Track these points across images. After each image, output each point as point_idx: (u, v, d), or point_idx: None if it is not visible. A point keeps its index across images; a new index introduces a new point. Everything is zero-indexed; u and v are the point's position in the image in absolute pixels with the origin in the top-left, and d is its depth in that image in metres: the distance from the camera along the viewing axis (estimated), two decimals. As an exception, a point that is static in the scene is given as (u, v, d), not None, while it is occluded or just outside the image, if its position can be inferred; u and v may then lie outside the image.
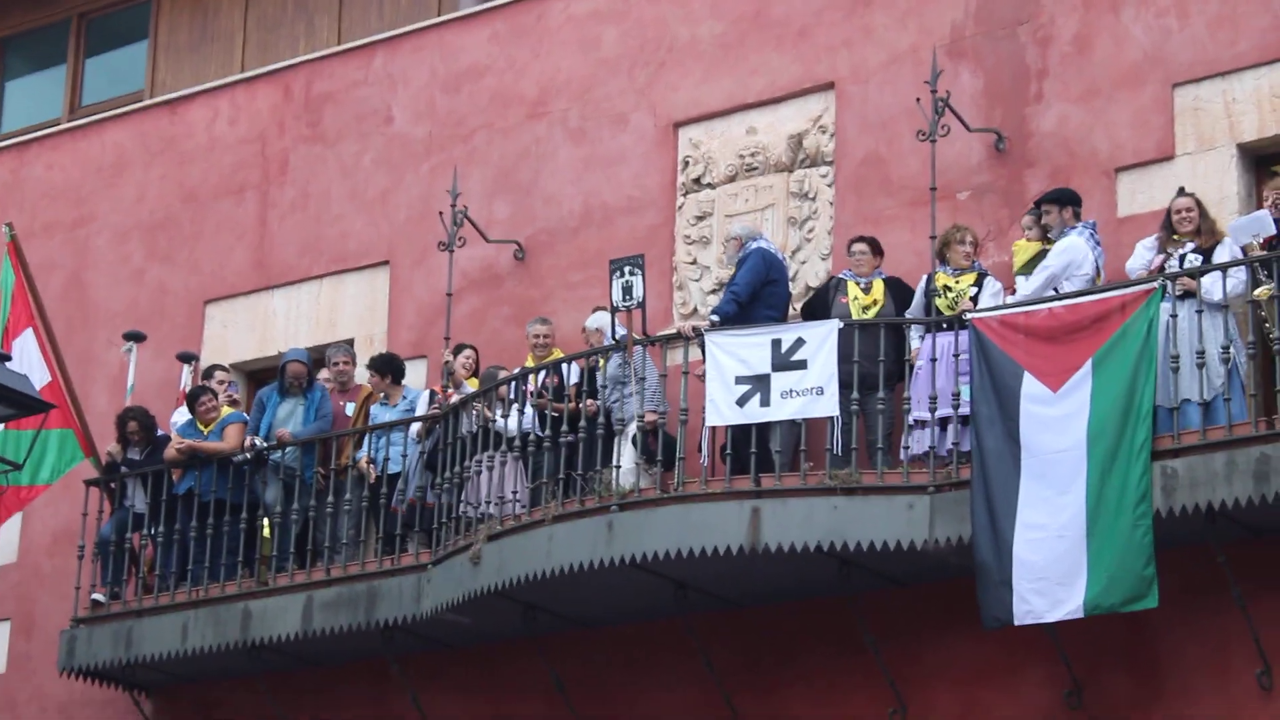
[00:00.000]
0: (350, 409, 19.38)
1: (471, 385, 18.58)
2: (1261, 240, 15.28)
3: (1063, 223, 16.26)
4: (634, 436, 16.86)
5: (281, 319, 20.61)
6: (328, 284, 20.64)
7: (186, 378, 20.51)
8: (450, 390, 18.45)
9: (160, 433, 19.90)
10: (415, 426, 18.84)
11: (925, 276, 16.88)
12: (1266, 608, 15.13)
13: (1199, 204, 15.80)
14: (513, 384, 17.93)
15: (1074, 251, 15.91)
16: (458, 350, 18.87)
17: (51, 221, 21.96)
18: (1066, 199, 16.38)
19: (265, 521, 19.43)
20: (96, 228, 22.09)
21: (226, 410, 19.56)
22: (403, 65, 20.93)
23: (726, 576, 16.46)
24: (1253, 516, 14.66)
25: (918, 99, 17.51)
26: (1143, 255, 15.81)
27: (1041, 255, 16.35)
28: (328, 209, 20.72)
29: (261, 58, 22.41)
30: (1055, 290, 15.72)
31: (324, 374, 19.82)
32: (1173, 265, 15.45)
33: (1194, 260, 15.42)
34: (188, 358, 20.51)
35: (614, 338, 17.52)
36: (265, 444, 19.28)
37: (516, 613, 17.31)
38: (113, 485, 19.58)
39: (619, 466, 16.67)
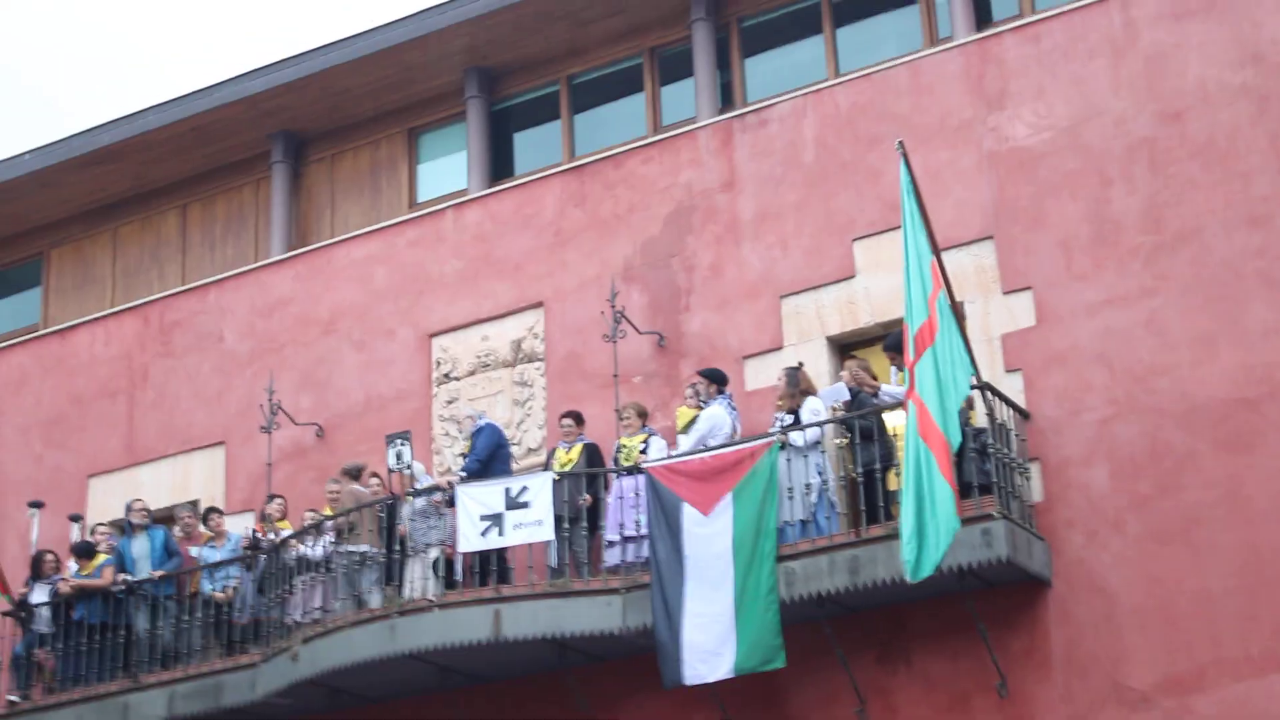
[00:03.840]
0: (194, 551, 19.07)
1: (284, 526, 18.41)
2: (840, 404, 15.91)
3: (709, 394, 16.61)
4: (434, 560, 16.95)
5: (146, 487, 20.22)
6: (180, 460, 20.41)
7: (75, 533, 20.08)
8: (264, 528, 18.51)
9: (56, 576, 19.45)
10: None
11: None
12: (860, 664, 15.45)
13: (791, 376, 16.25)
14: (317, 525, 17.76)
15: (716, 418, 16.36)
16: (270, 499, 18.77)
17: None
18: (715, 377, 16.79)
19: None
20: (5, 424, 21.66)
21: (102, 557, 19.15)
22: (230, 298, 20.71)
23: (478, 659, 16.51)
24: (847, 599, 15.13)
25: (602, 312, 17.83)
26: (785, 419, 16.07)
27: (694, 420, 16.63)
28: (178, 405, 20.49)
29: (127, 295, 22.15)
30: (705, 445, 16.02)
31: (175, 528, 19.47)
32: (778, 424, 15.95)
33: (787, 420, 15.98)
34: (76, 518, 20.18)
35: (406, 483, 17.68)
36: (132, 579, 18.85)
37: (325, 695, 17.26)
38: (22, 615, 19.22)
39: (425, 579, 16.88)
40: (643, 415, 17.18)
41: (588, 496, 16.64)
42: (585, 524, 16.69)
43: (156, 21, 68.36)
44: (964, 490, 13.96)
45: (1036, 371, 15.94)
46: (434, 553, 17.08)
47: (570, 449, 17.14)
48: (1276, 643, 14.26)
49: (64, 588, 19.07)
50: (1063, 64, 16.71)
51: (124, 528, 19.45)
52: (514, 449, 17.93)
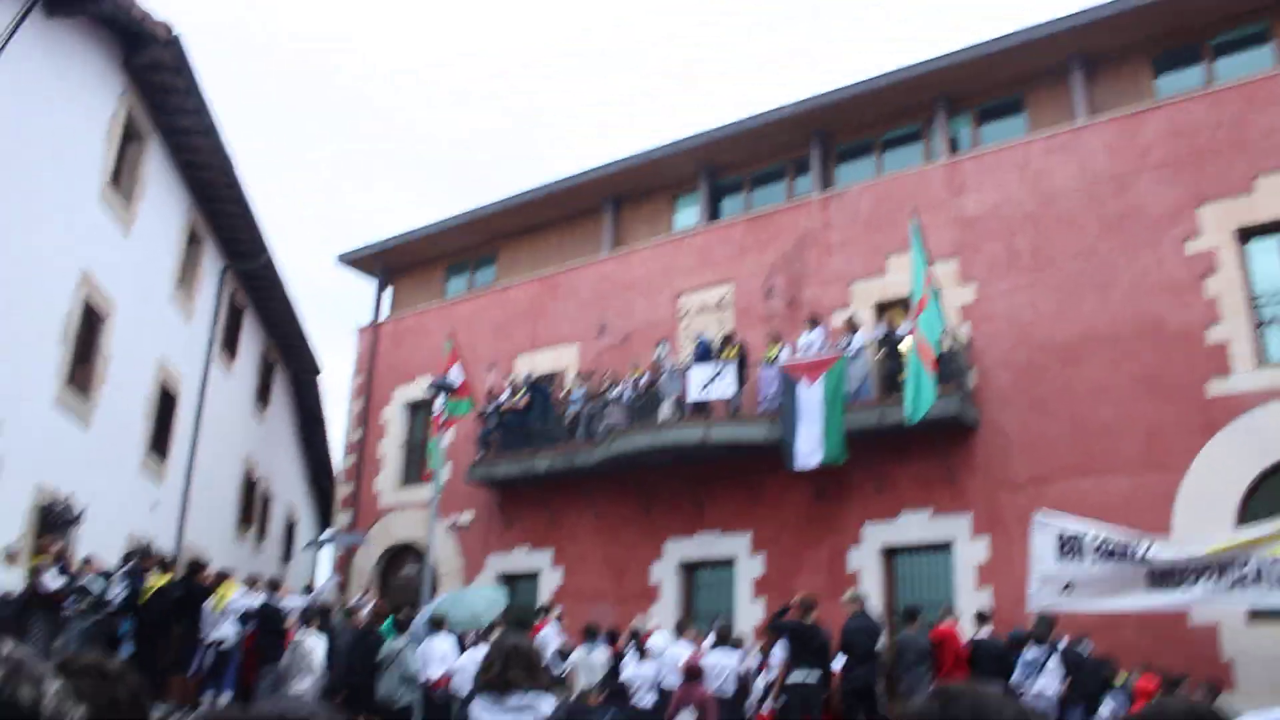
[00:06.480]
0: (562, 394, 19.06)
1: (605, 386, 18.92)
2: (882, 335, 16.02)
3: (810, 328, 16.65)
4: (673, 400, 16.99)
5: (539, 361, 20.61)
6: (555, 349, 20.48)
7: (491, 379, 20.38)
8: (600, 384, 18.67)
9: (497, 401, 19.50)
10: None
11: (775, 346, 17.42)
12: (879, 461, 15.59)
13: (849, 321, 16.29)
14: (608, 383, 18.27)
15: (812, 340, 16.29)
16: (602, 372, 19.46)
17: (465, 325, 21.13)
18: (813, 320, 16.65)
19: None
20: (477, 327, 21.66)
21: (520, 393, 18.92)
22: (583, 273, 20.57)
23: (695, 453, 16.56)
24: (875, 431, 15.28)
25: (764, 286, 18.12)
26: (849, 342, 16.21)
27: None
28: (557, 322, 20.67)
29: (530, 271, 22.49)
30: (810, 352, 16.04)
31: (553, 384, 20.09)
32: (845, 344, 15.97)
33: (853, 341, 16.01)
34: (512, 380, 20.69)
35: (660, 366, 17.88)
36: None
37: (623, 463, 17.33)
38: (483, 416, 19.25)
39: (670, 411, 16.88)
40: (777, 339, 16.84)
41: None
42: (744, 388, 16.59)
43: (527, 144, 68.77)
44: (938, 380, 13.99)
45: (976, 322, 15.92)
46: (673, 398, 17.04)
47: (731, 349, 16.66)
48: (1087, 460, 14.42)
49: (508, 405, 19.09)
50: (992, 174, 16.52)
51: (528, 380, 19.38)
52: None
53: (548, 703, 4.64)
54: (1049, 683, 10.99)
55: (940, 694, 1.45)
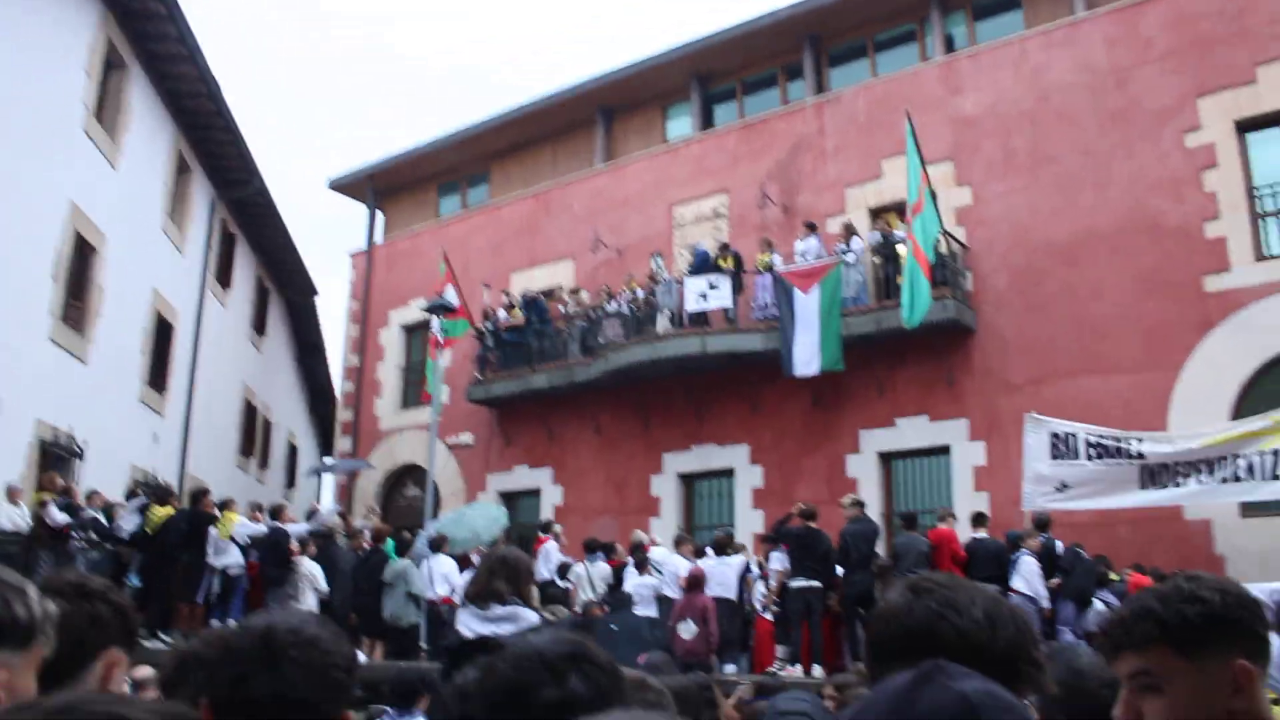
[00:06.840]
0: (561, 309, 19.26)
1: (600, 301, 18.59)
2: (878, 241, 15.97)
3: (806, 235, 16.58)
4: (669, 314, 17.02)
5: (537, 279, 20.43)
6: (550, 265, 20.49)
7: (487, 297, 20.05)
8: (599, 299, 18.46)
9: (494, 319, 19.62)
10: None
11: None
12: (880, 367, 15.66)
13: (848, 227, 16.23)
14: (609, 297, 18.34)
15: (809, 247, 16.21)
16: (596, 289, 19.35)
17: (459, 245, 21.10)
18: (810, 226, 16.61)
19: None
20: (471, 247, 21.34)
21: (517, 311, 19.05)
22: (577, 188, 20.50)
23: (694, 363, 16.71)
24: (873, 336, 15.31)
25: (759, 194, 18.06)
26: (846, 248, 16.08)
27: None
28: (551, 239, 20.60)
29: (524, 186, 22.40)
30: (807, 259, 16.08)
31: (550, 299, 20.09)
32: (842, 250, 15.90)
33: (850, 247, 15.93)
34: (509, 295, 20.02)
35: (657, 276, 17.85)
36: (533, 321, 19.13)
37: (620, 375, 17.43)
38: (476, 335, 19.17)
39: (666, 323, 16.93)
40: (769, 245, 16.78)
41: None
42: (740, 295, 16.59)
43: (538, 49, 68.11)
44: (934, 284, 14.00)
45: (971, 226, 15.89)
46: (669, 311, 16.98)
47: (727, 258, 16.68)
48: (1086, 361, 14.48)
49: (503, 324, 19.27)
50: (988, 72, 16.37)
51: (524, 297, 19.41)
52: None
53: (530, 614, 4.77)
54: (1019, 581, 11.25)
55: (913, 587, 1.45)
